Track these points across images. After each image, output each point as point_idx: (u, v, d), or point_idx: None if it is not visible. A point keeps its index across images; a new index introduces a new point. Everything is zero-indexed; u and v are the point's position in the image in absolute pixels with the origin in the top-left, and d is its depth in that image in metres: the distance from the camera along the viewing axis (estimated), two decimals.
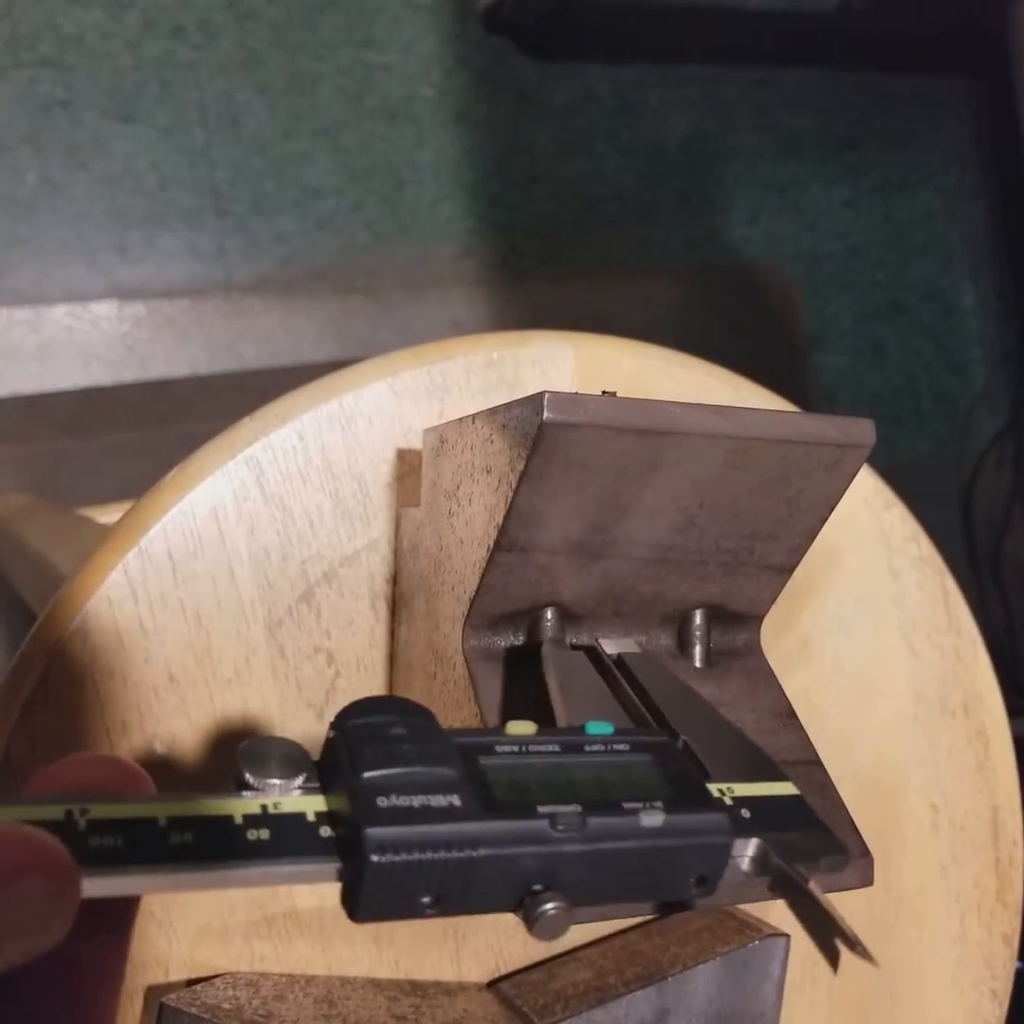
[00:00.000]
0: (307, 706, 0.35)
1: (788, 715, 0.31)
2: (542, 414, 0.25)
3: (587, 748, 0.23)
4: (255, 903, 0.34)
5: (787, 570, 0.31)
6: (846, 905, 0.43)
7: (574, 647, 0.30)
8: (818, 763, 0.30)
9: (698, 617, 0.32)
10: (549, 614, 0.30)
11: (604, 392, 0.26)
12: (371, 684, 0.35)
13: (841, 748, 0.43)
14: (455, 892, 0.21)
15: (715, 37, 1.52)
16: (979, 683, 0.45)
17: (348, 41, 1.38)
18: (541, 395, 0.25)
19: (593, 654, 0.30)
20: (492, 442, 0.28)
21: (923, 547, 0.45)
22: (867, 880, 0.28)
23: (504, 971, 0.37)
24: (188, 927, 0.33)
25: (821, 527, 0.31)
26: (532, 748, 0.23)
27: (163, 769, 0.33)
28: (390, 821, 0.20)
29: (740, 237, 1.62)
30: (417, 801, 0.20)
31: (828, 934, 0.22)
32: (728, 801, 0.24)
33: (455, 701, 0.29)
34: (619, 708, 0.27)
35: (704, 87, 1.55)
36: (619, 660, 0.29)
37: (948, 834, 0.44)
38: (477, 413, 0.29)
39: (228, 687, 0.34)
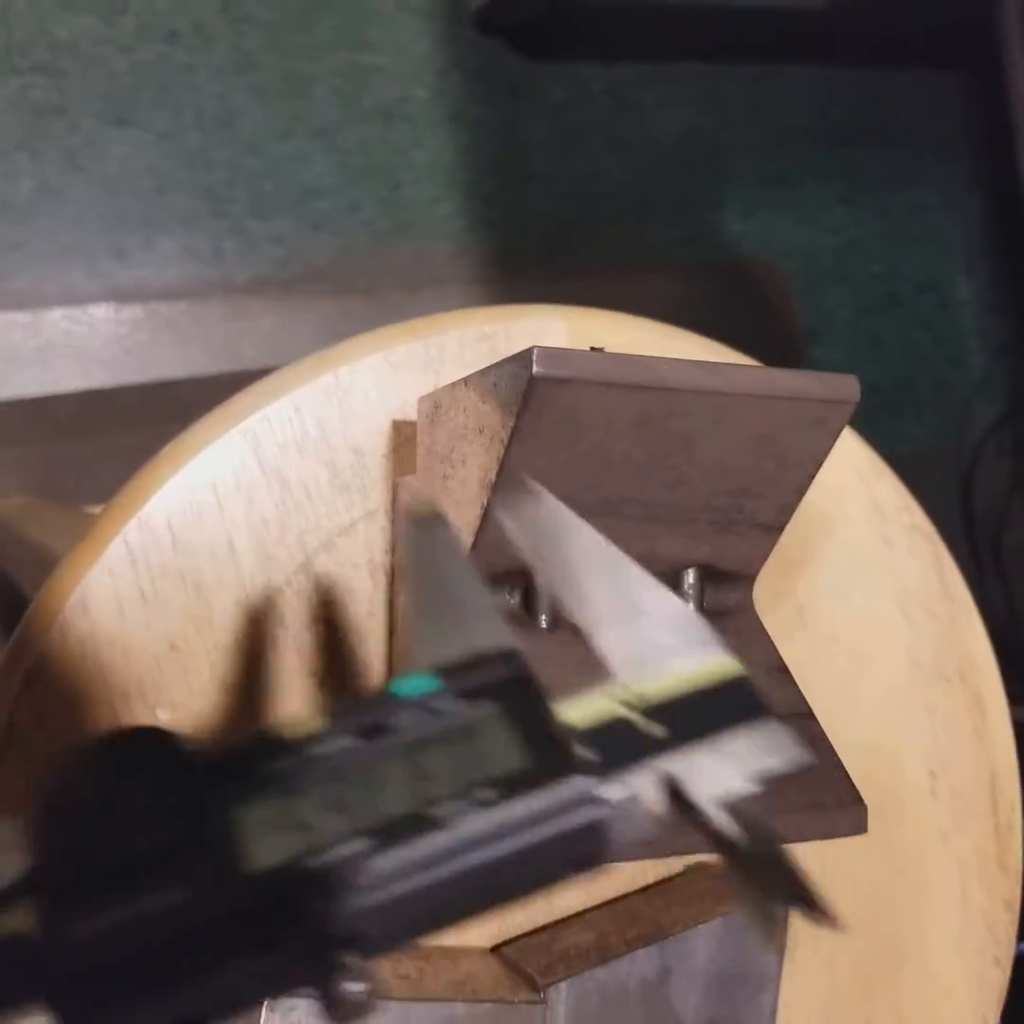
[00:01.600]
0: (309, 674, 0.35)
1: (780, 670, 0.31)
2: (532, 369, 0.26)
3: (397, 723, 0.17)
4: None
5: (777, 529, 0.32)
6: (848, 874, 0.43)
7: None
8: (811, 716, 0.30)
9: (690, 576, 0.32)
10: None
11: (592, 348, 0.27)
12: (371, 652, 0.36)
13: (838, 715, 0.43)
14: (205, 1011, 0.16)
15: (708, 35, 1.53)
16: (974, 650, 0.45)
17: (342, 43, 1.39)
18: (530, 351, 0.26)
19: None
20: (484, 402, 0.28)
21: (915, 516, 0.45)
22: (860, 827, 0.28)
23: (507, 936, 0.37)
24: None
25: (809, 484, 0.31)
26: (315, 751, 0.17)
27: None
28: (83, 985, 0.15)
29: (737, 233, 1.62)
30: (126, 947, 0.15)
31: (772, 892, 0.17)
32: (635, 718, 0.18)
33: None
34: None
35: (698, 85, 1.56)
36: None
37: (947, 801, 0.45)
38: (469, 375, 0.30)
39: (229, 656, 0.34)
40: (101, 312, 1.26)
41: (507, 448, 0.27)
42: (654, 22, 1.50)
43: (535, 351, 0.26)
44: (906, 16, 1.52)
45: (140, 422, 1.25)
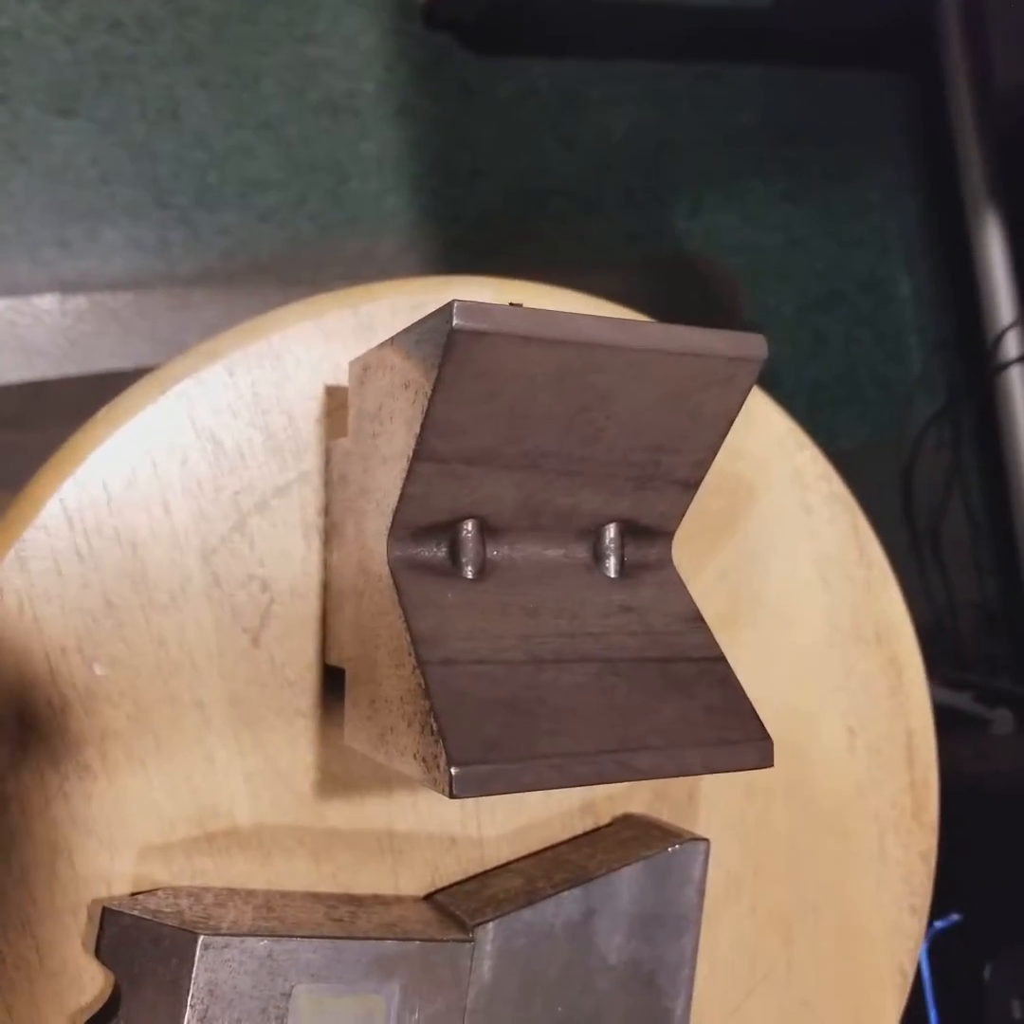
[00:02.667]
0: (242, 631, 0.36)
1: (696, 619, 0.33)
2: (451, 322, 0.27)
3: None
4: (195, 821, 0.35)
5: (692, 485, 0.33)
6: (770, 825, 0.45)
7: None
8: (722, 659, 0.31)
9: (611, 531, 0.33)
10: (469, 526, 0.31)
11: (511, 304, 0.28)
12: (305, 610, 0.37)
13: (761, 674, 0.45)
14: None
15: (654, 33, 1.56)
16: (891, 613, 0.47)
17: (289, 36, 1.40)
18: (450, 305, 0.27)
19: None
20: (408, 358, 0.30)
21: (834, 485, 0.47)
22: (766, 760, 0.29)
23: (440, 885, 0.38)
24: (130, 844, 0.34)
25: (721, 441, 0.32)
26: None
27: (103, 691, 0.34)
28: None
29: (682, 230, 1.65)
30: None
31: None
32: None
33: (380, 609, 0.31)
34: None
35: (644, 82, 1.58)
36: None
37: (865, 757, 0.47)
38: (395, 335, 0.31)
39: (164, 612, 0.35)
40: (45, 303, 1.25)
41: (430, 399, 0.28)
42: (600, 19, 1.52)
43: (455, 304, 0.27)
44: (849, 17, 1.56)
45: (85, 414, 1.24)
